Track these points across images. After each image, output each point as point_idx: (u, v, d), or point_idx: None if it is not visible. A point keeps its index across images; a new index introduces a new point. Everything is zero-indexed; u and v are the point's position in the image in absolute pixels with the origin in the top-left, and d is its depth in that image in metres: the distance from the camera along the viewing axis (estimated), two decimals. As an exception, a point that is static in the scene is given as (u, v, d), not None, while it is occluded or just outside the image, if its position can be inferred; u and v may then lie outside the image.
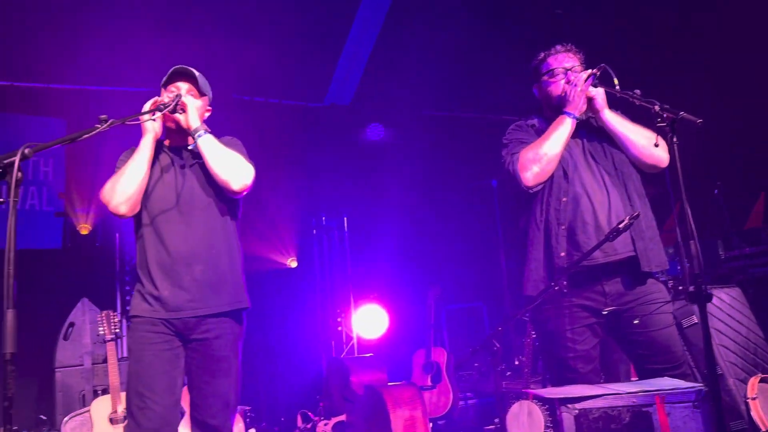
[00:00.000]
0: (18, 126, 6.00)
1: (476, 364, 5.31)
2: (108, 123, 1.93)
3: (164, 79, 2.51)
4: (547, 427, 3.05)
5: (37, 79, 5.70)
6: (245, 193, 2.47)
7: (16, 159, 1.60)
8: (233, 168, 2.40)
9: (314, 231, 6.64)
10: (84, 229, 5.69)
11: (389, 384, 3.98)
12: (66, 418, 4.41)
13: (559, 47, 2.70)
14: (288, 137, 6.35)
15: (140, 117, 2.22)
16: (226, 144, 2.48)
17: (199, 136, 2.39)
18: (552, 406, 2.19)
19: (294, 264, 6.43)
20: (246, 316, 2.51)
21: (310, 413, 4.41)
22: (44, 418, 4.94)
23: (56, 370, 4.96)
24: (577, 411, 2.05)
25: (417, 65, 6.06)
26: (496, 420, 4.43)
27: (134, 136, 2.51)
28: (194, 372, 2.36)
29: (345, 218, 6.43)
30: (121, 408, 3.83)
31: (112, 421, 3.84)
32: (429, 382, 4.72)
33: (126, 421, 2.32)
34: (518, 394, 3.29)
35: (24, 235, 5.62)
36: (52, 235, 5.85)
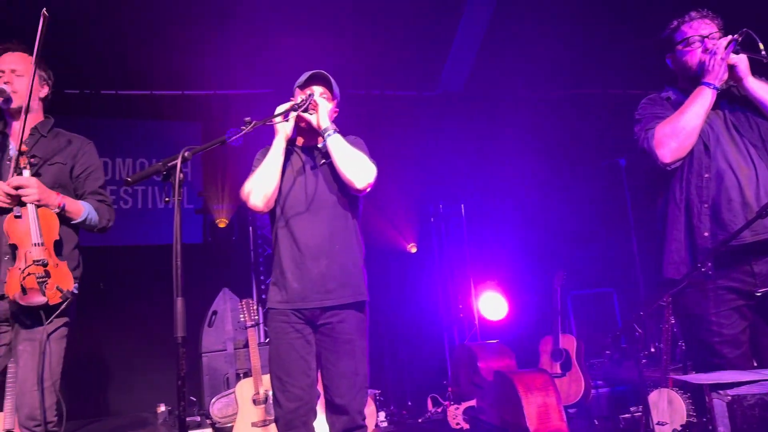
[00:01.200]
0: (156, 131, 6.56)
1: (607, 352, 5.12)
2: (252, 125, 2.08)
3: (301, 81, 2.65)
4: (690, 415, 2.89)
5: (173, 86, 6.19)
6: (368, 190, 2.58)
7: (178, 162, 1.78)
8: (358, 167, 2.53)
9: (432, 219, 6.69)
10: (222, 223, 6.12)
11: (519, 370, 3.95)
12: (213, 399, 4.80)
13: (693, 14, 2.53)
14: (404, 127, 6.42)
15: (278, 117, 2.36)
16: (351, 143, 2.61)
17: (329, 135, 2.53)
18: (699, 393, 2.08)
19: (414, 249, 6.52)
20: (368, 305, 2.62)
21: (439, 397, 4.48)
22: (194, 399, 5.40)
23: (203, 354, 5.39)
24: (729, 397, 1.93)
25: (532, 44, 5.90)
26: (633, 408, 4.26)
27: (267, 136, 2.67)
28: (323, 354, 2.52)
29: (462, 205, 6.41)
30: (263, 390, 4.08)
31: (255, 402, 4.11)
32: (558, 370, 4.62)
33: (266, 402, 2.54)
34: (656, 382, 3.15)
35: (170, 231, 6.12)
36: (194, 230, 6.35)
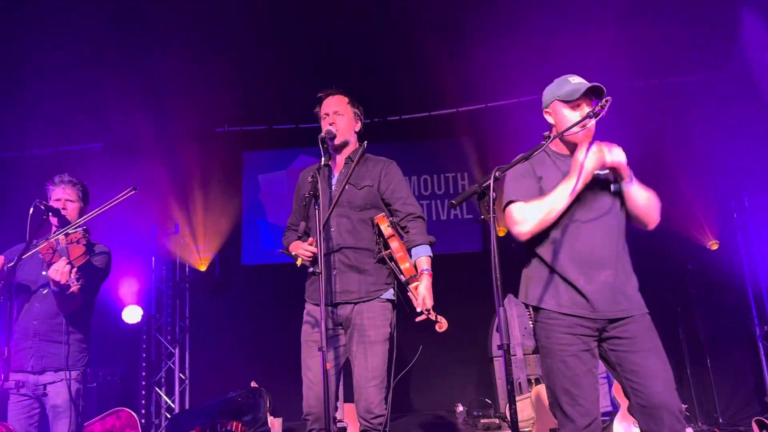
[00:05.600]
0: (432, 149, 7.01)
1: None
2: (551, 139, 2.12)
3: (570, 95, 2.38)
4: None
5: (442, 106, 6.58)
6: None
7: (491, 182, 1.90)
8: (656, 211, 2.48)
9: (735, 215, 5.92)
10: (501, 231, 6.27)
11: None
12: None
13: None
14: (693, 116, 5.81)
15: (575, 127, 2.32)
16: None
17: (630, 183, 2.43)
18: None
19: (715, 247, 5.84)
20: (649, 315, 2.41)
21: (765, 420, 3.95)
22: (489, 401, 5.60)
23: (493, 359, 5.56)
24: None
25: None
26: None
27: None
28: (623, 357, 2.36)
29: (775, 198, 5.55)
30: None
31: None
32: None
33: (557, 417, 2.45)
34: None
35: (451, 241, 6.49)
36: (474, 239, 6.62)
